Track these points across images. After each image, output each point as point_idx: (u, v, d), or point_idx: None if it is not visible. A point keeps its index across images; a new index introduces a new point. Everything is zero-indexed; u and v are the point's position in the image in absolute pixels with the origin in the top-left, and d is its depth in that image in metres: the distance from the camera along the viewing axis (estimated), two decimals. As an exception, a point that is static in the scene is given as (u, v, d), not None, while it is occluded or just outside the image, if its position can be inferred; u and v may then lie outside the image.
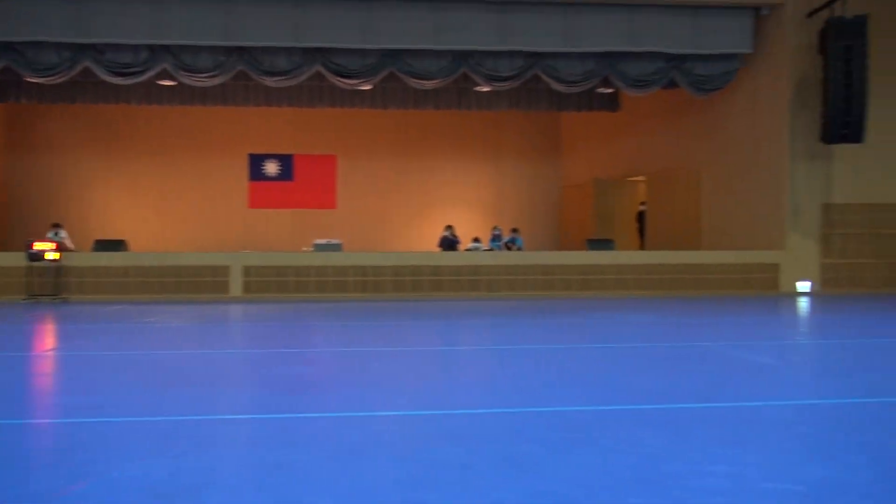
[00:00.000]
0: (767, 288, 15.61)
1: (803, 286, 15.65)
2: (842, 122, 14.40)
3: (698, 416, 4.35)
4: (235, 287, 14.70)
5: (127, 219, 22.40)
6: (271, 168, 23.32)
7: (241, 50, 14.92)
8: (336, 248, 15.85)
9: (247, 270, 14.75)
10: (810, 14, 15.38)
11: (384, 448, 3.70)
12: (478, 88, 18.72)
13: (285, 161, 23.35)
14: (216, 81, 15.62)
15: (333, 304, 13.47)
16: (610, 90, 19.64)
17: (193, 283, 14.63)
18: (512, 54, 15.64)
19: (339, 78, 15.52)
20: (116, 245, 15.34)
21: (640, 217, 21.32)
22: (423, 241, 23.77)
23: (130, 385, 5.44)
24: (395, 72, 15.62)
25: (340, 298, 14.51)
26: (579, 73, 16.00)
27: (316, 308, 12.64)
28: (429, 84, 16.13)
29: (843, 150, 15.51)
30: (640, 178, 21.58)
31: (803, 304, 13.49)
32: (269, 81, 15.55)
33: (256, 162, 23.23)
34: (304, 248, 19.12)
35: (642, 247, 20.68)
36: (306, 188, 23.46)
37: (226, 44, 14.69)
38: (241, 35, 14.59)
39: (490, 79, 15.91)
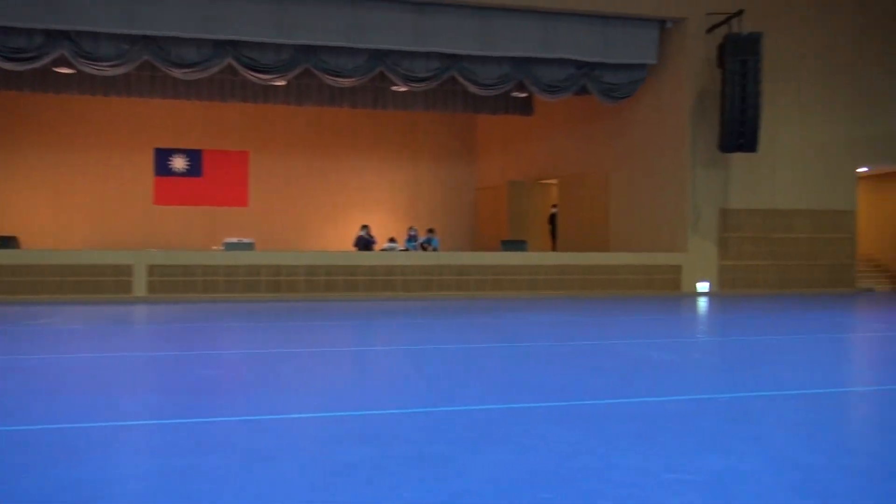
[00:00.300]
0: (670, 288, 16.35)
1: (703, 287, 16.51)
2: (738, 132, 15.29)
3: (607, 412, 4.48)
4: (139, 287, 14.03)
5: (19, 214, 20.96)
6: (179, 163, 22.40)
7: (146, 39, 14.24)
8: (247, 247, 15.40)
9: (151, 269, 14.10)
10: (710, 29, 16.24)
11: (295, 451, 3.61)
12: (395, 88, 18.67)
13: (194, 156, 22.49)
14: (119, 71, 14.86)
15: (244, 304, 13.09)
16: (524, 94, 20.05)
17: (94, 283, 13.85)
18: (428, 55, 15.69)
19: (251, 72, 15.10)
20: (6, 242, 14.33)
21: (553, 219, 21.86)
22: (338, 240, 23.47)
23: (16, 392, 5.07)
24: (311, 68, 15.35)
25: (251, 299, 14.11)
26: (495, 77, 16.24)
27: (225, 309, 12.24)
28: (345, 82, 15.95)
29: (738, 158, 16.47)
30: (553, 181, 22.14)
31: (703, 303, 14.21)
32: (178, 73, 14.94)
33: (163, 156, 22.26)
34: (214, 247, 18.50)
35: (554, 248, 21.21)
36: (216, 185, 22.68)
37: (130, 32, 13.97)
38: (147, 23, 13.91)
39: (406, 79, 15.90)
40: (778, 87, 16.68)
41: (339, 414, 4.45)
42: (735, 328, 10.10)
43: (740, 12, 15.57)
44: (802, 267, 17.23)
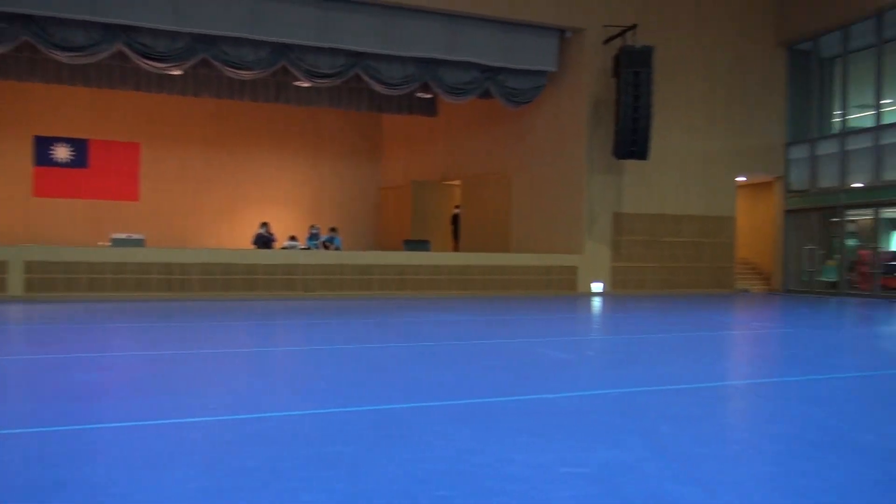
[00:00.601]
0: (567, 288, 16.93)
1: (597, 287, 17.20)
2: (630, 140, 16.04)
3: (504, 410, 4.58)
4: (15, 285, 13.03)
5: None
6: (62, 153, 20.97)
7: (26, 19, 13.25)
8: (137, 243, 14.64)
9: (29, 266, 13.13)
10: (606, 41, 16.95)
11: (188, 456, 3.46)
12: (298, 84, 18.29)
13: (79, 146, 21.12)
14: (-6, 51, 13.75)
15: (133, 304, 12.43)
16: (429, 95, 20.16)
17: (-40, 280, 12.74)
18: (333, 52, 15.49)
19: (144, 60, 14.36)
20: None
21: (455, 219, 22.11)
22: (235, 238, 22.71)
23: None
24: (209, 59, 14.78)
25: (142, 298, 13.42)
26: (399, 77, 16.24)
27: (112, 308, 11.57)
28: (246, 74, 15.47)
29: (631, 165, 17.29)
30: (456, 182, 22.40)
31: (597, 303, 14.79)
32: (62, 57, 13.99)
33: (43, 145, 20.77)
34: (101, 243, 17.44)
35: (457, 248, 21.46)
36: (104, 177, 21.40)
37: (7, 10, 12.94)
38: (28, 2, 12.92)
39: (310, 75, 15.62)
40: (667, 99, 17.65)
41: (234, 417, 4.31)
42: (625, 326, 10.59)
43: (634, 26, 16.35)
44: (687, 269, 18.31)
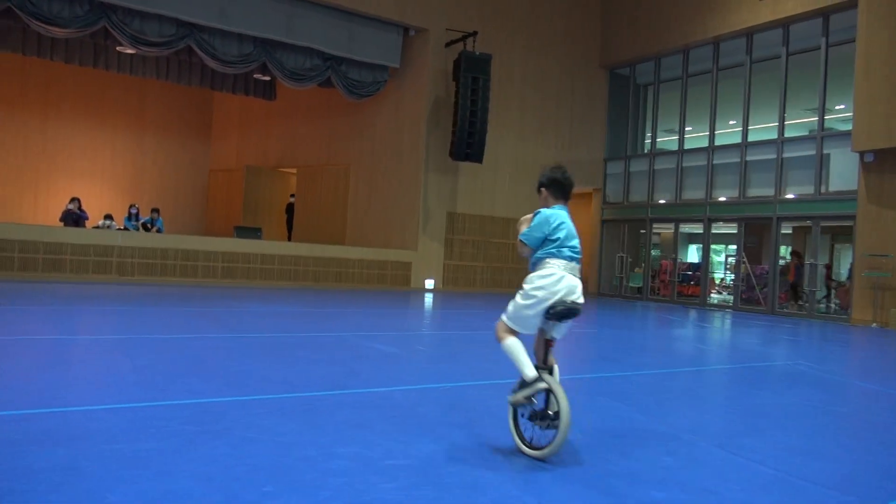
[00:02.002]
0: (401, 284, 17.13)
1: (429, 283, 17.58)
2: (466, 142, 16.57)
3: (330, 403, 4.53)
4: None
5: None
6: None
7: None
8: (-88, 212, 12.65)
9: None
10: (448, 44, 17.37)
11: (-35, 457, 3.04)
12: (121, 49, 16.81)
13: None
14: None
15: None
16: (267, 78, 19.45)
17: None
18: (161, 19, 14.42)
19: (-69, 1, 12.44)
20: None
21: (290, 209, 21.53)
22: (39, 213, 20.44)
23: None
24: (14, 8, 13.13)
25: (-86, 275, 11.64)
26: (235, 54, 15.50)
27: None
28: (58, 32, 13.93)
29: (466, 167, 17.87)
30: (292, 170, 21.82)
31: (428, 299, 15.11)
32: None
33: None
34: None
35: (290, 238, 20.91)
36: None
37: None
38: None
39: (135, 41, 14.42)
40: (502, 106, 18.47)
41: (25, 412, 3.86)
42: (454, 323, 10.92)
43: (475, 33, 16.91)
44: (513, 269, 19.28)
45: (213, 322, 8.69)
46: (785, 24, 16.62)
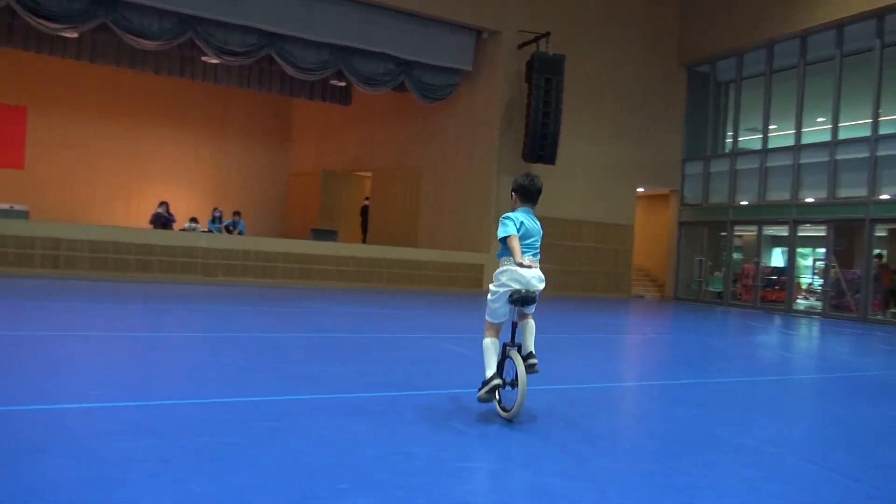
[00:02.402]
0: (472, 286, 17.15)
1: (500, 286, 17.51)
2: (539, 144, 16.43)
3: (405, 403, 4.58)
4: None
5: None
6: (-65, 112, 19.19)
7: None
8: (21, 214, 13.61)
9: None
10: (521, 46, 17.29)
11: (68, 445, 3.25)
12: (206, 59, 17.55)
13: (-44, 106, 19.39)
14: None
15: (13, 280, 11.54)
16: (343, 84, 19.88)
17: None
18: (245, 29, 14.97)
19: (35, 18, 13.35)
20: None
21: (364, 211, 21.92)
22: (131, 216, 21.58)
23: None
24: (109, 24, 13.92)
25: (23, 274, 12.49)
26: (313, 62, 15.91)
27: (-13, 284, 10.70)
28: (148, 44, 14.67)
29: (537, 168, 17.71)
30: (367, 173, 22.21)
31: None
32: (-60, 6, 12.78)
33: (-86, 102, 18.93)
34: (-24, 213, 16.11)
35: (364, 240, 21.28)
36: (-16, 142, 19.74)
37: None
38: None
39: (219, 51, 15.03)
40: (576, 107, 18.22)
41: (120, 404, 4.09)
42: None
43: (548, 34, 16.76)
44: (586, 273, 18.98)
45: (291, 322, 8.94)
46: (879, 14, 15.71)
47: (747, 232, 19.72)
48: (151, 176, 22.34)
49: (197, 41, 14.85)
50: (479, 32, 17.45)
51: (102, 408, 3.97)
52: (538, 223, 4.55)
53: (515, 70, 17.41)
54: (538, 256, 4.43)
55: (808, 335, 12.46)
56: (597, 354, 8.00)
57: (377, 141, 21.47)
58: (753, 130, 19.33)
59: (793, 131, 17.78)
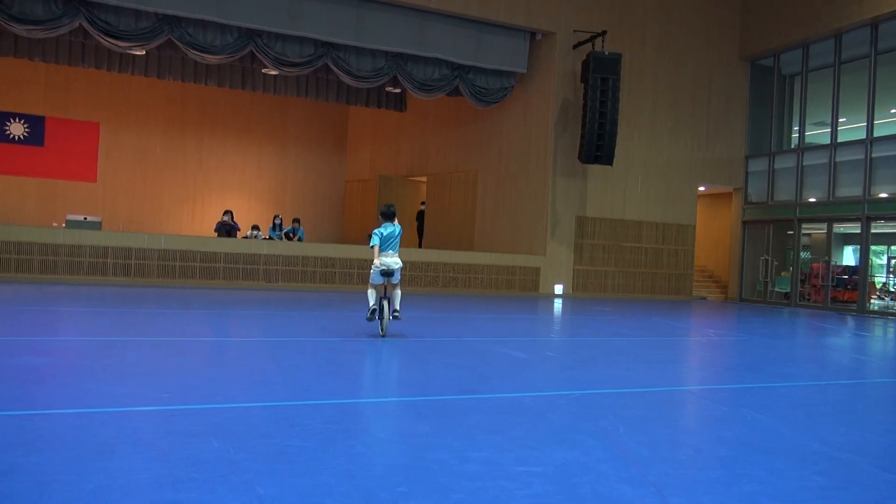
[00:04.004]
0: (529, 289, 17.06)
1: (559, 289, 17.37)
2: (596, 145, 16.22)
3: (462, 407, 4.60)
4: (-39, 263, 12.57)
5: None
6: (17, 129, 20.30)
7: (-16, -12, 12.77)
8: (94, 225, 14.27)
9: (-23, 245, 12.68)
10: (576, 46, 17.12)
11: (139, 446, 3.39)
12: (265, 71, 18.02)
13: (35, 123, 20.48)
14: (-52, 20, 13.21)
15: (88, 288, 12.11)
16: (398, 90, 20.08)
17: None
18: (302, 41, 15.31)
19: (106, 38, 13.98)
20: None
21: (420, 216, 22.08)
22: (196, 224, 22.31)
23: None
24: (174, 40, 14.46)
25: (97, 282, 13.09)
26: (369, 70, 16.14)
27: (65, 292, 11.26)
28: (211, 59, 15.17)
29: (595, 169, 17.51)
30: (422, 178, 22.37)
31: (558, 304, 14.94)
32: (20, 30, 13.53)
33: (-3, 121, 20.08)
34: (55, 224, 16.96)
35: (421, 245, 21.43)
36: (60, 156, 20.78)
37: (-36, -22, 12.47)
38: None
39: (278, 63, 15.41)
40: (633, 106, 17.91)
41: (189, 407, 4.24)
42: (585, 329, 10.72)
43: (604, 33, 16.54)
44: (647, 274, 18.62)
45: (350, 326, 9.09)
46: (957, -2, 14.90)
47: (816, 230, 18.96)
48: (215, 185, 23.07)
49: (257, 54, 15.28)
50: (532, 34, 17.37)
51: (172, 410, 4.13)
52: (398, 228, 7.75)
53: (570, 71, 17.25)
54: (397, 250, 7.72)
55: (882, 337, 11.89)
56: (659, 357, 7.84)
57: (432, 146, 21.61)
58: (821, 124, 18.59)
59: (864, 124, 17.03)
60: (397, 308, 7.69)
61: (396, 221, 7.88)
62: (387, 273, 7.55)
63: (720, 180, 19.67)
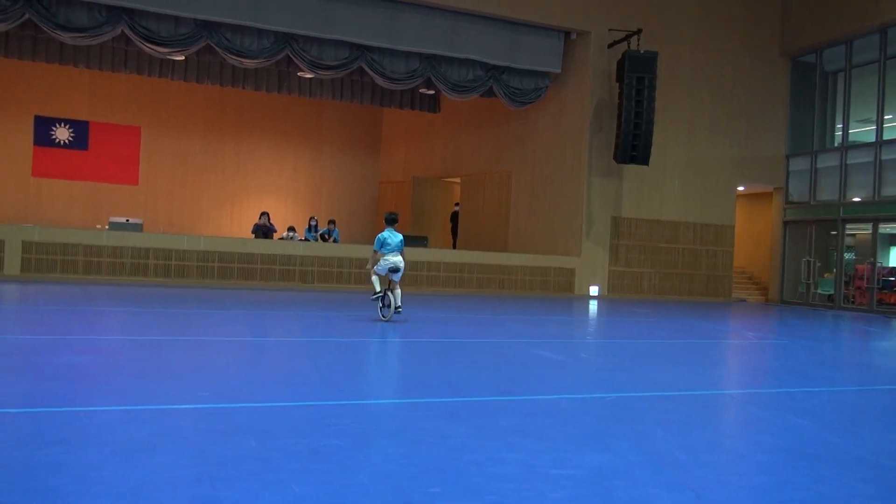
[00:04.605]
0: (564, 290, 16.93)
1: (594, 290, 17.20)
2: (632, 144, 16.02)
3: (497, 409, 4.58)
4: (12, 264, 13.00)
5: None
6: (62, 134, 20.90)
7: (31, -3, 13.17)
8: (136, 227, 14.61)
9: (27, 246, 13.10)
10: (611, 45, 16.93)
11: (178, 443, 3.45)
12: (301, 74, 18.23)
13: (79, 128, 21.05)
14: (-1, 29, 13.67)
15: (129, 288, 12.39)
16: (431, 92, 20.12)
17: (-44, 258, 12.70)
18: (337, 44, 15.44)
19: (147, 44, 14.30)
20: None
21: (454, 217, 22.08)
22: (234, 225, 22.67)
23: None
24: (212, 45, 14.72)
25: (138, 283, 13.39)
26: (403, 72, 16.20)
27: (108, 292, 11.54)
28: (249, 63, 15.41)
29: (631, 169, 17.29)
30: (456, 179, 22.37)
31: (593, 306, 14.80)
32: (65, 37, 13.92)
33: (44, 125, 20.69)
34: (98, 226, 17.42)
35: (455, 246, 21.43)
36: (103, 160, 21.32)
37: (13, -12, 12.87)
38: (33, -20, 12.85)
39: (314, 66, 15.57)
40: (669, 105, 17.64)
41: (225, 405, 4.30)
42: (621, 331, 10.59)
43: (639, 31, 16.33)
44: (684, 276, 18.32)
45: (385, 327, 9.12)
46: None
47: (860, 230, 18.43)
48: (252, 188, 23.41)
49: (293, 57, 15.46)
50: (567, 34, 17.24)
51: (211, 409, 4.19)
52: (399, 236, 9.08)
53: (605, 70, 17.07)
54: (400, 250, 9.02)
55: (933, 341, 11.49)
56: (697, 360, 7.71)
57: (466, 147, 21.60)
58: (866, 122, 18.07)
59: (911, 121, 16.50)
60: (399, 304, 8.88)
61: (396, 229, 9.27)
62: (394, 269, 8.88)
63: (760, 180, 19.25)
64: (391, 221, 9.16)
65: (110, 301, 10.41)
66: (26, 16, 13.30)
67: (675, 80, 17.79)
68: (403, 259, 8.98)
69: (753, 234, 20.89)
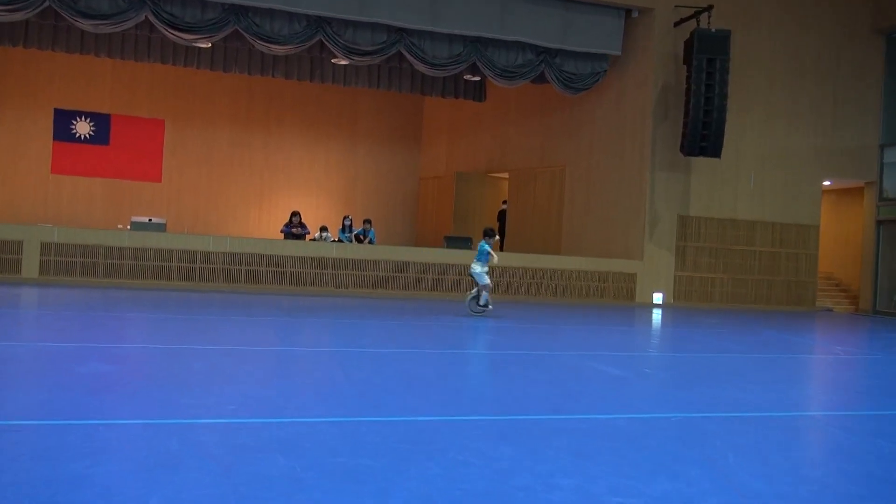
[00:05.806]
0: (624, 298, 16.73)
1: (658, 297, 16.96)
2: (701, 135, 15.75)
3: (550, 428, 4.55)
4: (30, 267, 13.48)
5: None
6: (82, 128, 21.60)
7: (51, -17, 13.67)
8: (159, 227, 14.98)
9: (45, 248, 13.57)
10: (678, 23, 16.69)
11: (204, 459, 3.53)
12: (335, 61, 18.45)
13: (100, 121, 21.72)
14: (16, 17, 14.22)
15: (152, 292, 12.73)
16: (477, 78, 20.13)
17: (-27, 260, 13.23)
18: (374, 27, 15.58)
19: (171, 30, 14.67)
20: None
21: (502, 216, 22.03)
22: (262, 224, 23.08)
23: None
24: (240, 31, 15.02)
25: (161, 287, 13.74)
26: (445, 56, 16.25)
27: (129, 296, 11.88)
28: (279, 49, 15.67)
29: (700, 163, 17.00)
30: (504, 174, 22.33)
31: (657, 315, 14.59)
32: (86, 25, 14.39)
33: (63, 119, 21.42)
34: (120, 226, 17.93)
35: (502, 247, 21.40)
36: (125, 155, 21.96)
37: (32, -26, 13.38)
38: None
39: (348, 51, 15.74)
40: (744, 90, 17.29)
41: (255, 420, 4.38)
42: (689, 343, 10.42)
43: (710, 7, 16.05)
44: (761, 282, 17.92)
45: (426, 336, 9.17)
46: None
47: (968, 231, 17.74)
48: (282, 183, 23.79)
49: (326, 42, 15.67)
50: (628, 11, 17.05)
51: (237, 423, 4.27)
52: (482, 245, 11.23)
53: (671, 52, 16.83)
54: (479, 259, 11.22)
55: None
56: (775, 378, 7.54)
57: (515, 139, 21.55)
58: (974, 107, 17.41)
59: None
60: (480, 303, 11.18)
61: (488, 239, 11.40)
62: (470, 275, 11.44)
63: (849, 173, 18.70)
64: (485, 234, 11.55)
65: (132, 306, 10.71)
66: (46, 3, 13.78)
67: (751, 61, 17.41)
68: (482, 265, 11.16)
69: (841, 235, 20.29)
